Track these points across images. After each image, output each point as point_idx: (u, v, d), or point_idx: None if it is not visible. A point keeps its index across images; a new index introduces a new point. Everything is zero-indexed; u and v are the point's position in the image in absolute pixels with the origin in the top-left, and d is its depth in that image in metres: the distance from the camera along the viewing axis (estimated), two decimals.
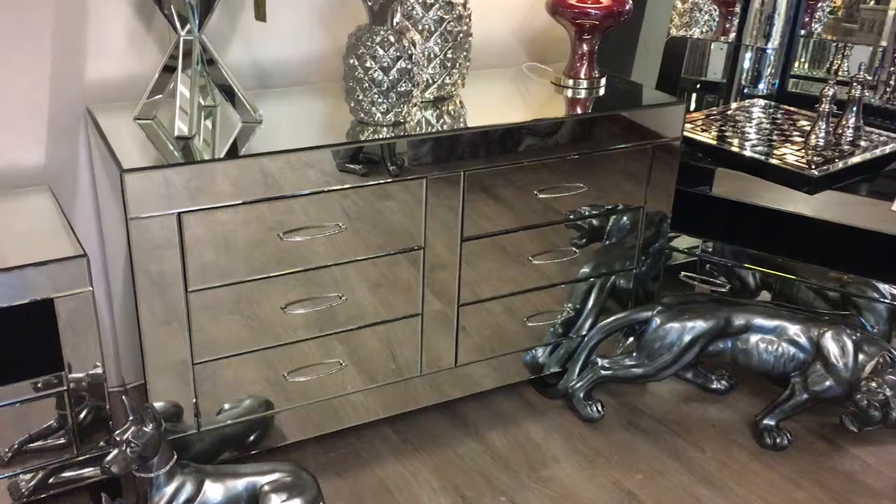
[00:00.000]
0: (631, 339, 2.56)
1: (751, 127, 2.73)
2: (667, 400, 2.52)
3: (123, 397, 1.86)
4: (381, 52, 1.99)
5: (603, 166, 2.32)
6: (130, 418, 1.83)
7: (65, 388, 1.92)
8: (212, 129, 2.05)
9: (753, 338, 2.34)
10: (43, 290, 1.80)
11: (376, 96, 2.02)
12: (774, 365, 2.32)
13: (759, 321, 2.33)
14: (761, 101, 2.97)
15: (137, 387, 2.17)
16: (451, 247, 2.18)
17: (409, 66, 2.02)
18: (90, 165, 2.21)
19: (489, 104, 2.36)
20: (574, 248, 2.36)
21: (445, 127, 2.11)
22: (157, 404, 1.96)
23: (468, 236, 2.20)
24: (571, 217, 2.33)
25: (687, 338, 2.33)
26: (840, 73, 3.06)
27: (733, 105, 2.96)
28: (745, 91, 3.07)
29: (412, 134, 2.04)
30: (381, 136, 2.01)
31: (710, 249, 2.78)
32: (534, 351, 2.43)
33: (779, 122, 2.79)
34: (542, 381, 2.52)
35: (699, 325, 2.33)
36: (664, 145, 2.39)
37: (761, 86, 3.05)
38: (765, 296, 2.67)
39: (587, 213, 2.35)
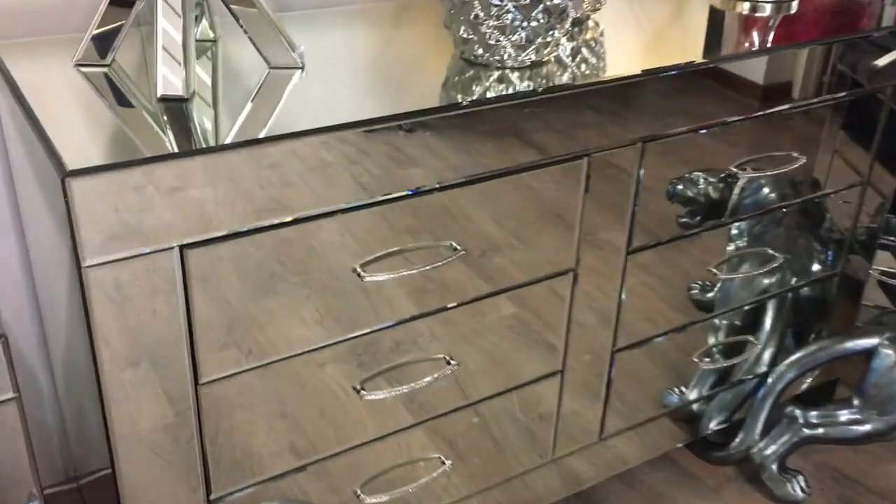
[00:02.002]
0: (811, 374, 1.78)
1: None
2: (879, 457, 1.76)
3: None
4: None
5: (811, 126, 1.50)
6: None
7: None
8: (214, 81, 1.17)
9: None
10: None
11: (512, 19, 1.15)
12: None
13: None
14: None
15: (94, 482, 1.32)
16: (612, 264, 1.36)
17: None
18: (1, 146, 1.31)
19: (641, 33, 1.50)
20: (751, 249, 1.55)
21: (602, 71, 1.26)
22: None
23: (637, 246, 1.37)
24: (779, 204, 1.52)
25: None
26: None
27: None
28: None
29: (575, 85, 1.18)
30: (522, 90, 1.15)
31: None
32: (687, 400, 1.64)
33: None
34: (704, 441, 1.73)
35: None
36: None
37: None
38: None
39: (802, 197, 1.54)
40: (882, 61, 1.54)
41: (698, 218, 1.45)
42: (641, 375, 1.51)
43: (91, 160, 0.89)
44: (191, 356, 1.02)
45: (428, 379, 1.22)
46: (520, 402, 1.36)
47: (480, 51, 1.19)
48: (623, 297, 1.39)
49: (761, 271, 1.55)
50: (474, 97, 1.12)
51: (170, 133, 0.99)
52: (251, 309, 1.03)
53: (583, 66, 1.27)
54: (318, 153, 1.01)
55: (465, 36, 1.19)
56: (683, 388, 1.61)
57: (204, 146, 0.95)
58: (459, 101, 1.10)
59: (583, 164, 1.23)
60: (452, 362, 1.24)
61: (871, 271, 1.92)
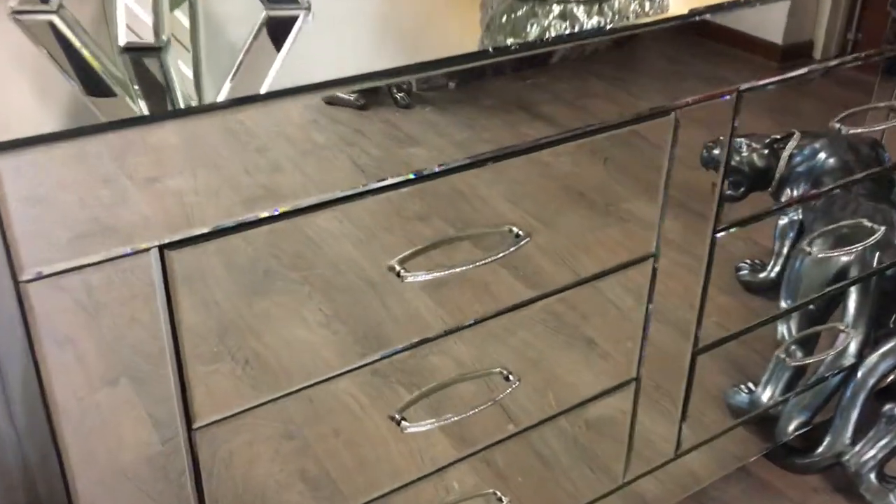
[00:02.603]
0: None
1: None
2: None
3: None
4: None
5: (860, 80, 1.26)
6: None
7: None
8: (194, 27, 0.90)
9: None
10: None
11: None
12: None
13: None
14: None
15: None
16: (696, 246, 1.10)
17: None
18: None
19: None
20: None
21: (664, 9, 1.00)
22: None
23: (728, 223, 1.12)
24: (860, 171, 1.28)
25: None
26: None
27: None
28: None
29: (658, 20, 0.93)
30: (588, 27, 0.89)
31: None
32: (759, 400, 1.39)
33: None
34: (784, 447, 1.49)
35: None
36: None
37: None
38: None
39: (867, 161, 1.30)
40: None
41: (742, 189, 1.20)
42: (709, 377, 1.26)
43: (25, 131, 0.63)
44: (180, 395, 0.76)
45: (485, 404, 0.96)
46: (584, 419, 1.11)
47: None
48: (707, 288, 1.14)
49: (863, 245, 1.30)
50: (529, 39, 0.86)
51: (139, 99, 0.72)
52: (245, 312, 0.77)
53: (647, 5, 1.01)
54: (309, 135, 0.77)
55: None
56: (752, 386, 1.37)
57: (179, 108, 0.69)
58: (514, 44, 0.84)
59: (670, 122, 0.98)
60: (512, 377, 0.98)
61: None
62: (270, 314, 0.79)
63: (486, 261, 0.88)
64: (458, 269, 0.86)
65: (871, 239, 1.30)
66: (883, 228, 1.31)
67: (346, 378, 0.85)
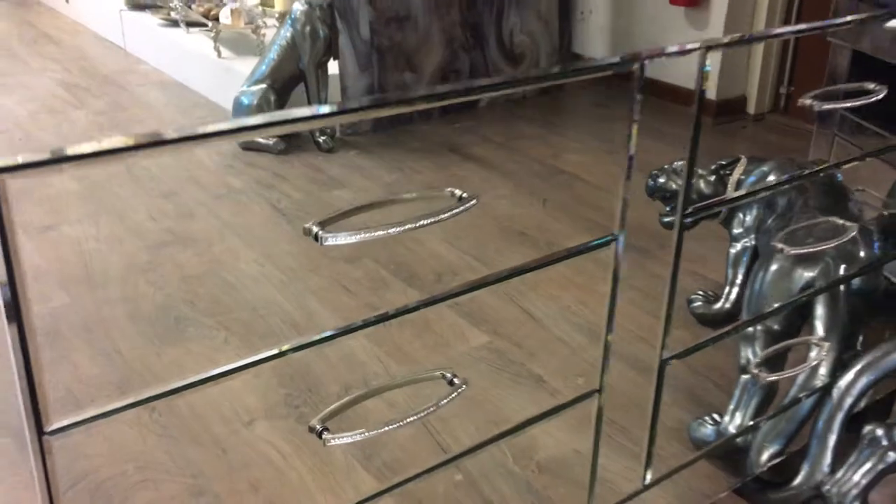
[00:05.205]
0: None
1: None
2: None
3: None
4: None
5: None
6: None
7: None
8: None
9: None
10: None
11: None
12: None
13: None
14: None
15: None
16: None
17: None
18: None
19: None
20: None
21: None
22: None
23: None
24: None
25: None
26: None
27: None
28: None
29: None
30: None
31: None
32: (726, 431, 1.35)
33: None
34: (756, 481, 1.44)
35: None
36: None
37: None
38: None
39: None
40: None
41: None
42: (667, 410, 1.22)
43: None
44: (28, 391, 0.71)
45: (431, 406, 0.90)
46: (536, 463, 1.07)
47: None
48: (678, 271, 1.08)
49: (836, 241, 1.25)
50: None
51: None
52: (151, 361, 0.75)
53: None
54: (223, 180, 0.75)
55: None
56: (717, 417, 1.33)
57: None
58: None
59: None
60: (457, 380, 0.91)
61: None
62: (181, 364, 0.76)
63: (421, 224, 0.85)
64: (387, 231, 0.82)
65: (839, 239, 1.26)
66: (845, 237, 1.28)
67: (264, 423, 0.81)
